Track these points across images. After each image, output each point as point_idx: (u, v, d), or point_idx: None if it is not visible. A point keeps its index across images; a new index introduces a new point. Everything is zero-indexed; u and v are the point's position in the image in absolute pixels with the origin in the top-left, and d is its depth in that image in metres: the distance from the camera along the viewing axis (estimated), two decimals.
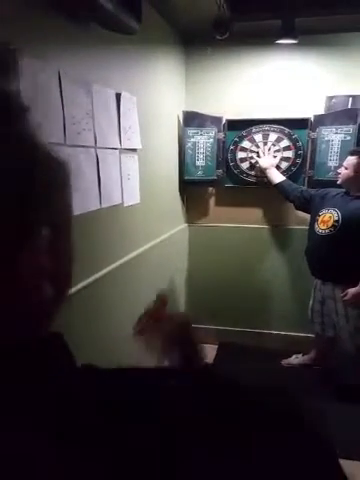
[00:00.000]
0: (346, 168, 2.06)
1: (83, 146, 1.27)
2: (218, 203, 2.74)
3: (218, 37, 2.27)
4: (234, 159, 2.58)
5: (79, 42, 1.24)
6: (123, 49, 1.57)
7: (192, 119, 2.50)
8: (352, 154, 2.06)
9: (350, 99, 2.28)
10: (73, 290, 1.32)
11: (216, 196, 2.73)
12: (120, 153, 1.57)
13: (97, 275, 1.44)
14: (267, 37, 2.24)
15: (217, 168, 2.58)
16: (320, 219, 2.14)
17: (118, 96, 1.53)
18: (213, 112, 2.53)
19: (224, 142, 2.56)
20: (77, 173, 1.23)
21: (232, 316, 2.81)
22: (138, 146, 1.75)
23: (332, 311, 2.22)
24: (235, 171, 2.60)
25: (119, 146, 1.55)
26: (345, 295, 2.06)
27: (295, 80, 2.47)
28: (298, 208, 2.39)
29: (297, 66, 2.45)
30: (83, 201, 1.27)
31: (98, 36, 1.33)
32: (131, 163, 1.69)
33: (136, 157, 1.75)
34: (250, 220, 2.69)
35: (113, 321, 1.62)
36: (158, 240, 2.19)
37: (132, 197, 1.70)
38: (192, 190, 2.71)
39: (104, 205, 1.43)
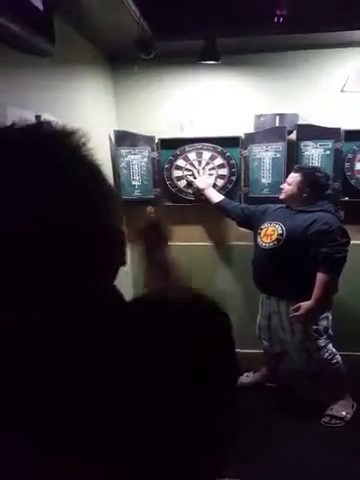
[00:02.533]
0: (289, 184, 2.12)
1: None
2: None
3: (143, 57, 2.27)
4: (170, 177, 2.57)
5: None
6: (42, 71, 1.48)
7: (124, 138, 2.44)
8: (296, 171, 2.12)
9: (277, 117, 2.38)
10: None
11: (156, 215, 2.69)
12: None
13: None
14: (192, 56, 2.27)
15: (154, 187, 2.55)
16: (263, 233, 2.17)
17: (38, 119, 1.43)
18: (146, 131, 2.50)
19: (159, 161, 2.54)
20: None
21: None
22: None
23: (278, 326, 2.25)
24: (173, 190, 2.58)
25: None
26: (297, 309, 2.05)
27: (224, 99, 2.52)
28: (240, 225, 2.43)
29: (225, 85, 2.51)
30: None
31: (12, 58, 1.23)
32: None
33: None
34: (193, 238, 2.68)
35: None
36: None
37: None
38: (131, 209, 2.63)
39: None
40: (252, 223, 2.32)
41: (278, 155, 2.39)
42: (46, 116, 1.48)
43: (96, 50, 2.24)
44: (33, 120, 1.36)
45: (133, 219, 2.71)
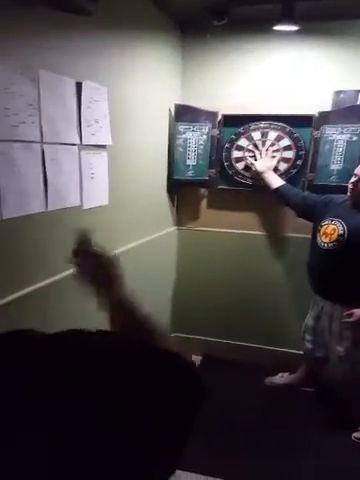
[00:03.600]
0: (357, 177, 1.82)
1: (21, 141, 1.13)
2: (210, 205, 2.56)
3: (216, 23, 2.10)
4: (229, 158, 2.40)
5: (19, 21, 1.10)
6: (88, 34, 1.41)
7: (184, 113, 2.32)
8: None
9: (359, 95, 2.05)
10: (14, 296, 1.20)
11: (208, 198, 2.55)
12: (80, 150, 1.42)
13: (42, 283, 1.31)
14: (268, 24, 2.04)
15: (210, 167, 2.40)
16: (322, 230, 1.93)
17: (79, 86, 1.38)
18: (209, 106, 2.35)
19: (219, 139, 2.38)
20: (10, 172, 1.09)
21: (219, 327, 2.63)
22: (107, 142, 1.59)
23: (325, 329, 2.02)
24: (229, 171, 2.41)
25: (78, 142, 1.40)
26: (350, 315, 1.84)
27: (300, 73, 2.25)
28: (300, 215, 2.18)
29: (302, 58, 2.23)
30: (19, 203, 1.13)
31: (47, 16, 1.18)
32: (97, 161, 1.54)
33: (104, 154, 1.60)
34: (244, 225, 2.50)
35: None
36: (134, 244, 2.04)
37: (96, 198, 1.56)
38: (182, 191, 2.54)
39: (52, 208, 1.28)
40: (313, 215, 2.07)
41: (355, 138, 2.07)
42: (88, 83, 1.43)
43: (164, 14, 2.11)
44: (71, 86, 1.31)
45: (183, 201, 2.64)
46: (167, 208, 2.48)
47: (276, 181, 2.22)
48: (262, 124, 2.31)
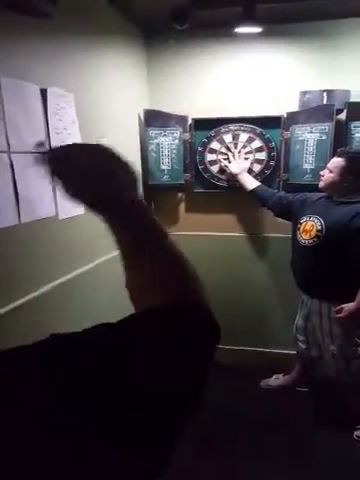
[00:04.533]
0: (331, 171, 1.86)
1: None
2: (188, 209, 2.55)
3: (178, 27, 2.11)
4: (203, 162, 2.40)
5: None
6: (48, 38, 1.38)
7: (154, 118, 2.31)
8: (339, 156, 1.86)
9: (325, 94, 2.10)
10: None
11: (186, 202, 2.54)
12: None
13: (16, 303, 1.25)
14: (231, 27, 2.06)
15: (185, 172, 2.40)
16: (302, 228, 1.95)
17: (44, 92, 1.34)
18: (178, 111, 2.35)
19: (191, 143, 2.38)
20: None
21: None
22: None
23: (317, 328, 2.03)
24: (205, 175, 2.41)
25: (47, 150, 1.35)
26: (339, 311, 1.85)
27: (266, 75, 2.29)
28: (277, 215, 2.20)
29: (268, 60, 2.27)
30: None
31: (5, 20, 1.14)
32: None
33: None
34: (224, 228, 2.50)
35: None
36: (114, 253, 2.00)
37: (72, 208, 1.51)
38: (159, 196, 2.52)
39: (25, 220, 1.23)
40: (290, 213, 2.09)
41: (324, 137, 2.12)
42: (54, 90, 1.39)
43: (126, 20, 2.10)
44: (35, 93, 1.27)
45: (161, 207, 2.62)
46: None
47: (251, 183, 2.24)
48: (232, 127, 2.33)
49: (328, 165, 1.90)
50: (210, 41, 2.31)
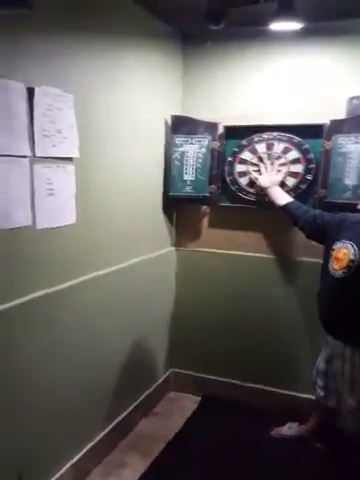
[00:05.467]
0: None
1: None
2: (212, 225, 2.35)
3: (213, 27, 1.96)
4: (232, 173, 2.20)
5: None
6: (43, 35, 1.31)
7: (182, 125, 2.16)
8: None
9: None
10: None
11: (210, 216, 2.35)
12: (33, 163, 1.29)
13: None
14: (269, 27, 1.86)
15: (210, 183, 2.21)
16: (334, 255, 1.67)
17: (32, 91, 1.27)
18: (209, 117, 2.18)
19: (220, 152, 2.19)
20: None
21: (221, 363, 2.37)
22: (73, 154, 1.47)
23: (338, 374, 1.73)
24: (232, 187, 2.21)
25: (29, 154, 1.27)
26: None
27: (308, 79, 2.04)
28: (309, 236, 1.93)
29: (310, 62, 2.02)
30: None
31: None
32: (58, 175, 1.41)
33: (70, 168, 1.46)
34: (250, 247, 2.26)
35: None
36: (122, 265, 1.89)
37: (57, 217, 1.42)
38: (182, 208, 2.37)
39: None
40: (324, 236, 1.81)
41: None
42: (45, 89, 1.31)
43: (157, 19, 1.99)
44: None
45: (182, 220, 2.45)
46: (163, 227, 2.31)
47: (283, 198, 2.00)
48: (267, 135, 2.10)
49: None
50: (248, 42, 2.12)
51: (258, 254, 2.24)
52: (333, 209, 1.88)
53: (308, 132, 2.02)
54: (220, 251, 2.32)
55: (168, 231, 2.36)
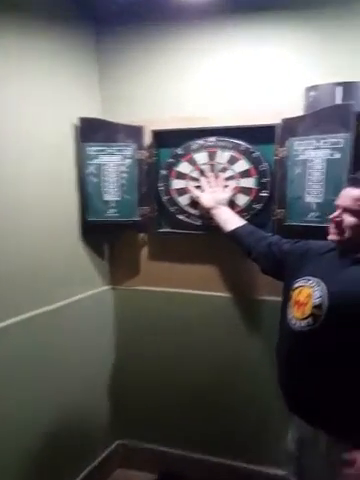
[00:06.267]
0: (346, 210, 1.14)
1: None
2: (153, 256, 1.90)
3: None
4: (168, 191, 1.76)
5: None
6: None
7: (95, 130, 1.71)
8: (353, 184, 1.16)
9: (338, 89, 1.39)
10: None
11: (149, 246, 1.90)
12: None
13: None
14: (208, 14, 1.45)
15: (141, 204, 1.76)
16: (294, 297, 1.24)
17: None
18: (133, 121, 1.74)
19: (150, 165, 1.75)
20: None
21: (178, 432, 1.92)
22: None
23: (312, 465, 1.28)
24: (171, 209, 1.77)
25: None
26: (351, 462, 1.09)
27: (258, 71, 1.62)
28: (265, 271, 1.50)
29: (259, 50, 1.61)
30: None
31: None
32: None
33: None
34: (200, 284, 1.81)
35: None
36: (30, 314, 1.45)
37: None
38: (115, 237, 1.91)
39: None
40: (283, 270, 1.38)
41: (337, 155, 1.40)
42: None
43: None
44: None
45: (117, 251, 1.89)
46: (90, 261, 1.84)
47: (231, 221, 1.57)
48: (207, 142, 1.67)
49: (340, 201, 1.18)
50: (182, 28, 1.69)
51: (211, 292, 1.80)
52: (295, 235, 1.46)
53: (258, 136, 1.61)
54: (165, 289, 1.87)
55: (99, 266, 1.90)
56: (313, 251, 1.30)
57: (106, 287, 1.95)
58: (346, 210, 1.14)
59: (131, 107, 1.81)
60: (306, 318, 1.17)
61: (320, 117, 1.42)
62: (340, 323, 1.11)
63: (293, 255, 1.36)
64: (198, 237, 1.75)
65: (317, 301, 1.14)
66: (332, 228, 1.19)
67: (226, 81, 1.68)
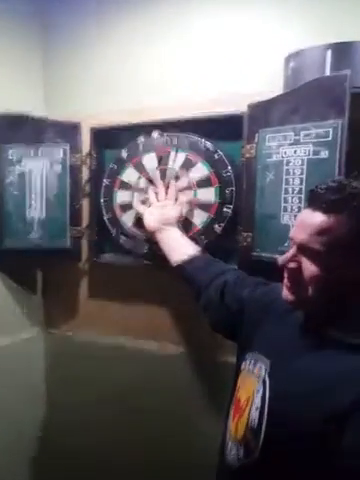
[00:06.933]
0: (300, 247, 0.68)
1: None
2: (93, 292, 1.48)
3: None
4: (111, 207, 1.35)
5: None
6: None
7: (14, 128, 1.34)
8: (312, 203, 0.68)
9: (328, 53, 0.93)
10: None
11: (90, 278, 1.48)
12: None
13: None
14: None
15: (73, 224, 1.37)
16: (238, 385, 0.83)
17: None
18: (68, 116, 1.36)
19: (91, 172, 1.36)
20: None
21: None
22: None
23: None
24: (113, 230, 1.36)
25: None
26: None
27: (221, 41, 1.21)
28: (215, 328, 1.05)
29: (220, 15, 1.19)
30: None
31: None
32: None
33: None
34: (149, 332, 1.37)
35: None
36: None
37: None
38: (49, 265, 1.51)
39: None
40: (237, 329, 0.93)
41: (323, 153, 0.93)
42: None
43: None
44: None
45: (51, 284, 1.49)
46: (7, 298, 1.45)
47: (180, 249, 1.14)
48: (157, 139, 1.26)
49: (294, 233, 0.71)
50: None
51: (164, 346, 1.35)
52: (266, 272, 0.99)
53: (222, 131, 1.18)
54: (107, 339, 1.44)
55: (27, 304, 1.50)
56: (277, 306, 0.84)
57: (36, 330, 1.54)
58: (303, 249, 0.67)
59: (74, 100, 1.45)
60: (238, 442, 0.72)
61: (300, 97, 0.97)
62: (277, 460, 0.65)
63: (251, 308, 0.91)
64: (148, 269, 1.32)
65: (254, 419, 0.69)
66: (285, 279, 0.73)
67: (183, 61, 1.27)
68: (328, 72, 0.93)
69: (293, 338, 0.73)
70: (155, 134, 1.23)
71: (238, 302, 0.94)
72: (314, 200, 0.66)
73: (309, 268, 0.65)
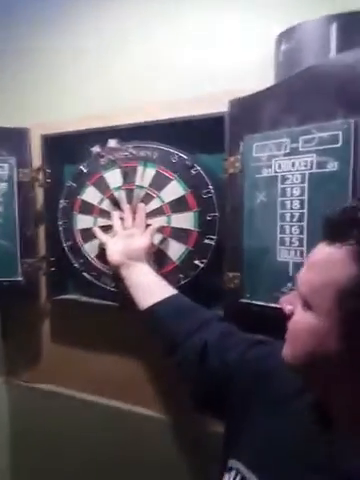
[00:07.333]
0: (303, 301, 0.46)
1: None
2: (56, 336, 1.23)
3: None
4: (71, 232, 1.11)
5: None
6: None
7: None
8: (330, 236, 0.45)
9: (333, 28, 0.68)
10: None
11: (51, 320, 1.24)
12: None
13: None
14: None
15: (25, 255, 1.13)
16: None
17: None
18: (19, 123, 1.13)
19: (45, 190, 1.12)
20: None
21: None
22: None
23: None
24: (74, 262, 1.11)
25: None
26: None
27: (199, 27, 0.96)
28: (196, 402, 0.80)
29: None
30: None
31: None
32: None
33: None
34: (119, 389, 1.11)
35: None
36: None
37: None
38: (12, 301, 1.27)
39: None
40: (222, 405, 0.69)
41: (332, 166, 0.67)
42: None
43: None
44: None
45: (14, 329, 1.24)
46: None
47: (150, 289, 0.89)
48: (122, 151, 1.01)
49: (299, 282, 0.48)
50: None
51: (137, 407, 1.09)
52: (257, 325, 0.74)
53: (199, 138, 0.92)
54: (72, 393, 1.19)
55: None
56: (276, 380, 0.59)
57: None
58: (307, 305, 0.44)
59: (21, 105, 1.22)
60: None
61: (296, 90, 0.71)
62: None
63: (242, 378, 0.66)
64: (118, 309, 1.07)
65: None
66: (288, 347, 0.49)
67: (154, 55, 1.03)
68: (334, 53, 0.68)
69: (299, 441, 0.48)
70: (112, 142, 0.99)
71: (223, 368, 0.69)
72: (333, 230, 0.44)
73: (305, 322, 0.43)
